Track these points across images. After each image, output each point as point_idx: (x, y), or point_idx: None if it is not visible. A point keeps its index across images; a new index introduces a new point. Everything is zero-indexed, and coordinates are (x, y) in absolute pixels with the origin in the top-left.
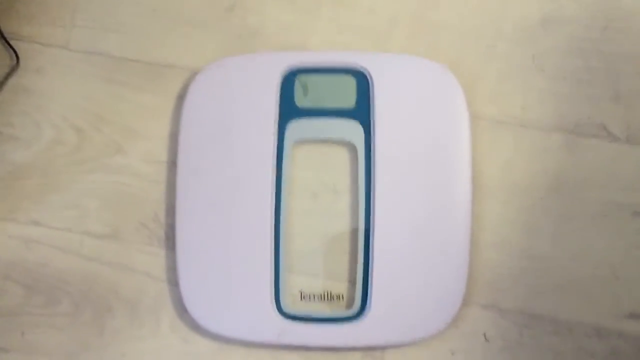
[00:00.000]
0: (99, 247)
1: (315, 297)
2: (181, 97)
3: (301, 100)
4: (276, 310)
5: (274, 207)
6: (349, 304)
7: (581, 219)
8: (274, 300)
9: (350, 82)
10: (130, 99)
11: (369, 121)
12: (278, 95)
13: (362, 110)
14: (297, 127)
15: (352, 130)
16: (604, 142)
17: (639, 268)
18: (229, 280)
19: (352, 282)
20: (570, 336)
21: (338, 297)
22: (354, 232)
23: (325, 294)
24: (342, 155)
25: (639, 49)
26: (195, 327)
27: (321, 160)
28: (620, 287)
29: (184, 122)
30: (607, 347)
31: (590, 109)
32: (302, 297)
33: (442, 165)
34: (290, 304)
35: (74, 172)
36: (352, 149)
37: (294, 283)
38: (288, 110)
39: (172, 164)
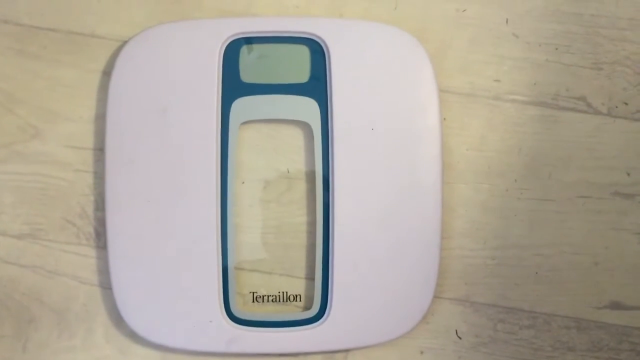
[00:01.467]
0: (17, 249)
1: (269, 299)
2: (107, 73)
3: (247, 74)
4: (225, 315)
5: (219, 197)
6: (308, 305)
7: (559, 202)
8: (222, 304)
9: (303, 53)
10: (46, 74)
11: (326, 97)
12: (220, 69)
13: (317, 85)
14: (243, 106)
15: (307, 107)
16: (584, 116)
17: (620, 253)
18: (169, 281)
19: (310, 279)
20: (548, 329)
21: (295, 297)
22: (312, 223)
23: (281, 294)
24: (295, 137)
25: (623, 12)
26: (133, 336)
27: (272, 143)
28: (601, 275)
29: (111, 101)
30: (587, 339)
31: (569, 79)
32: (254, 298)
33: (408, 146)
34: (241, 307)
35: None
36: (307, 129)
37: (245, 283)
38: (232, 87)
39: (100, 151)
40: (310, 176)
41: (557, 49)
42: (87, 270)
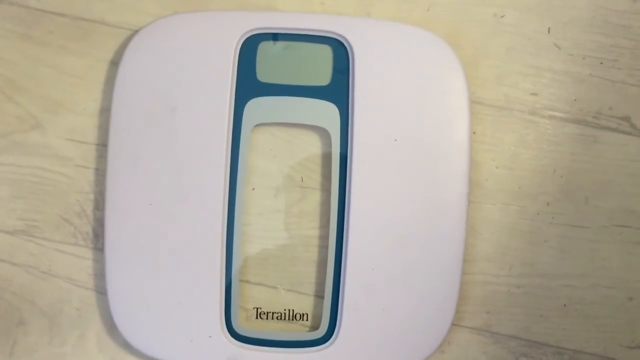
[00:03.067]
0: (9, 246)
1: (274, 316)
2: (115, 64)
3: (264, 73)
4: (226, 331)
5: (227, 203)
6: (315, 325)
7: (594, 230)
8: (223, 318)
9: (326, 54)
10: (51, 62)
11: (347, 103)
12: (235, 65)
13: (338, 89)
14: (258, 107)
15: (326, 112)
16: (628, 138)
17: None
18: (168, 291)
19: (319, 297)
20: None
21: (302, 316)
22: (324, 237)
23: (287, 312)
24: (312, 143)
25: None
26: (127, 346)
27: (286, 148)
28: (635, 312)
29: (117, 94)
30: None
31: (613, 96)
32: (258, 314)
33: (433, 160)
34: (243, 323)
35: None
36: (325, 135)
37: (249, 297)
38: (247, 85)
39: (103, 147)
40: (326, 187)
41: (602, 63)
42: (82, 272)
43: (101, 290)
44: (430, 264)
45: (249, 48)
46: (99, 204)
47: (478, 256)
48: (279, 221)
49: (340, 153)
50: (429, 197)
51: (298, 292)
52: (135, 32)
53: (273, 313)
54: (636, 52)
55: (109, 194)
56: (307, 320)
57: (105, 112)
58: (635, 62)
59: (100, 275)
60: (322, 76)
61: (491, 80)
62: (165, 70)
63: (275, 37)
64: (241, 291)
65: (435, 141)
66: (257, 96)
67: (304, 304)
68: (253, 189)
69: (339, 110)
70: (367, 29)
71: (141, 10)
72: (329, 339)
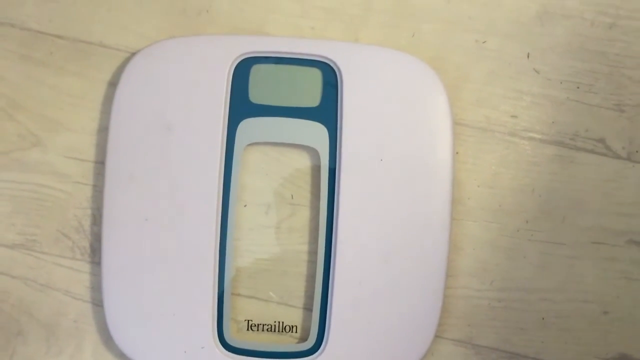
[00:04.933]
0: (9, 259)
1: (265, 328)
2: (113, 84)
3: (256, 95)
4: (218, 342)
5: (219, 219)
6: (304, 337)
7: (571, 247)
8: (215, 330)
9: (315, 77)
10: (51, 82)
11: (335, 123)
12: (229, 87)
13: (327, 110)
14: (250, 127)
15: (315, 133)
16: (603, 159)
17: (632, 303)
18: (162, 304)
19: (308, 310)
20: None
21: (291, 328)
22: (313, 252)
23: (277, 324)
24: (302, 162)
25: None
26: (122, 356)
27: (277, 167)
28: (610, 325)
29: (115, 114)
30: None
31: (589, 119)
32: (249, 326)
33: (418, 178)
34: (235, 335)
35: None
36: (314, 154)
37: (241, 310)
38: (240, 107)
39: (101, 164)
40: (315, 204)
41: (578, 87)
42: (79, 285)
43: (97, 303)
44: (414, 279)
45: (242, 71)
46: (96, 220)
47: (460, 271)
48: (270, 236)
49: (329, 171)
50: (413, 214)
51: (288, 305)
52: (133, 54)
53: (264, 325)
54: (611, 77)
55: (106, 210)
56: (296, 332)
57: (103, 130)
58: (610, 86)
59: (96, 288)
60: (312, 98)
61: (473, 103)
62: (162, 91)
63: (267, 60)
64: (233, 304)
65: (419, 161)
66: (250, 117)
67: (294, 316)
68: (245, 206)
69: (328, 130)
70: (355, 53)
71: (139, 34)
72: (317, 350)
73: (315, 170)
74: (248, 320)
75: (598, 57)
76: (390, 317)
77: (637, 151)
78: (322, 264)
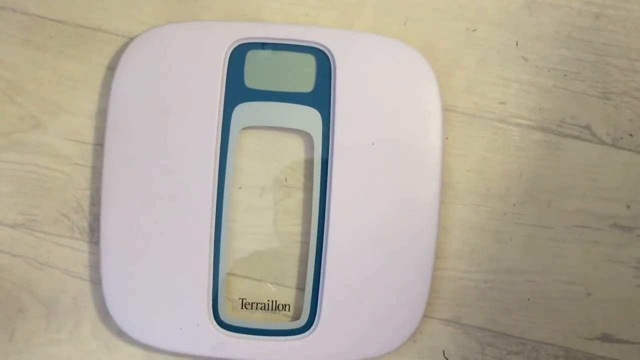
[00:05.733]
0: (10, 238)
1: (259, 306)
2: (111, 68)
3: (251, 80)
4: (213, 319)
5: (215, 201)
6: (296, 315)
7: (556, 230)
8: (210, 308)
9: (309, 62)
10: (50, 65)
11: (329, 108)
12: (225, 72)
13: (321, 95)
14: (245, 111)
15: (309, 117)
16: (588, 145)
17: (614, 285)
18: (159, 282)
19: (300, 290)
20: (536, 357)
21: (284, 307)
22: (306, 233)
23: (270, 303)
24: (295, 146)
25: (635, 42)
26: (120, 333)
27: (272, 150)
28: (593, 306)
29: (113, 97)
30: None
31: (575, 106)
32: (243, 305)
33: (408, 163)
34: (230, 313)
35: None
36: (308, 138)
37: (235, 289)
38: (235, 91)
39: (99, 146)
40: (308, 186)
41: (565, 75)
42: (78, 264)
43: (96, 281)
44: (404, 260)
45: (238, 56)
46: (95, 200)
47: (449, 253)
48: (264, 218)
49: (322, 155)
50: (403, 197)
51: (281, 285)
52: (131, 39)
53: (257, 304)
54: (597, 65)
55: (105, 191)
56: (289, 310)
57: (101, 113)
58: (596, 74)
59: (95, 266)
60: (306, 83)
61: (463, 90)
62: (159, 76)
63: (262, 46)
64: (228, 283)
65: (410, 145)
66: (245, 101)
67: (286, 295)
68: (240, 188)
69: (321, 115)
70: (348, 40)
71: (137, 19)
72: (309, 329)
73: (309, 153)
74: (242, 299)
75: (585, 45)
76: (381, 297)
77: (621, 138)
78: (314, 245)
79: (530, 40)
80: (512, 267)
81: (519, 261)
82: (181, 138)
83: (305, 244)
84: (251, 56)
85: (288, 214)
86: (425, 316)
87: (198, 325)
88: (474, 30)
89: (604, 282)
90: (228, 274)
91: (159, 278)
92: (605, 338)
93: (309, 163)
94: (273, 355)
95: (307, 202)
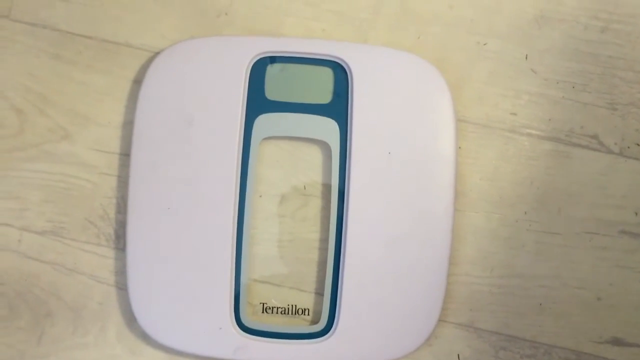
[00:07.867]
0: (39, 245)
1: (279, 311)
2: (138, 82)
3: (272, 92)
4: (234, 323)
5: (237, 208)
6: (315, 320)
7: (566, 236)
8: (232, 312)
9: (327, 75)
10: (79, 79)
11: (346, 119)
12: (246, 85)
13: (338, 107)
14: (265, 122)
15: (327, 128)
16: (597, 154)
17: (624, 290)
18: (183, 287)
19: (319, 295)
20: None
21: (303, 311)
22: (324, 240)
23: (290, 307)
24: (314, 155)
25: (639, 55)
26: (145, 337)
27: (291, 160)
28: (603, 310)
29: (139, 109)
30: None
31: (584, 117)
32: (263, 309)
33: (423, 172)
34: (251, 317)
35: (13, 160)
36: (326, 148)
37: (256, 294)
38: (256, 103)
39: (125, 156)
40: (326, 194)
41: (573, 87)
42: (104, 270)
43: (121, 287)
44: (419, 266)
45: (259, 69)
46: (121, 208)
47: (463, 259)
48: (284, 225)
49: (340, 164)
50: (418, 205)
51: (300, 290)
52: (157, 54)
53: (277, 308)
54: (604, 77)
55: (131, 199)
56: (308, 315)
57: (127, 125)
58: (603, 86)
59: (120, 272)
60: (324, 95)
61: (475, 101)
62: (183, 88)
63: (281, 60)
64: (249, 288)
65: (424, 155)
66: (265, 112)
67: (306, 300)
68: (260, 196)
69: (339, 125)
70: (365, 53)
71: (162, 35)
72: (328, 332)
73: (327, 163)
74: (263, 304)
75: (591, 58)
76: (397, 302)
77: (628, 147)
78: (332, 251)
79: (539, 54)
80: (524, 272)
81: (530, 267)
82: (204, 148)
83: (323, 250)
84: (271, 69)
85: (307, 221)
86: (441, 320)
87: (220, 328)
88: (485, 44)
89: (613, 287)
90: (249, 279)
91: (183, 283)
92: (616, 342)
93: (327, 172)
94: (293, 357)
95: (325, 209)
